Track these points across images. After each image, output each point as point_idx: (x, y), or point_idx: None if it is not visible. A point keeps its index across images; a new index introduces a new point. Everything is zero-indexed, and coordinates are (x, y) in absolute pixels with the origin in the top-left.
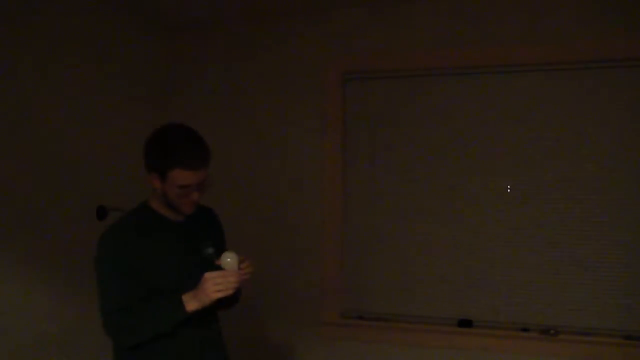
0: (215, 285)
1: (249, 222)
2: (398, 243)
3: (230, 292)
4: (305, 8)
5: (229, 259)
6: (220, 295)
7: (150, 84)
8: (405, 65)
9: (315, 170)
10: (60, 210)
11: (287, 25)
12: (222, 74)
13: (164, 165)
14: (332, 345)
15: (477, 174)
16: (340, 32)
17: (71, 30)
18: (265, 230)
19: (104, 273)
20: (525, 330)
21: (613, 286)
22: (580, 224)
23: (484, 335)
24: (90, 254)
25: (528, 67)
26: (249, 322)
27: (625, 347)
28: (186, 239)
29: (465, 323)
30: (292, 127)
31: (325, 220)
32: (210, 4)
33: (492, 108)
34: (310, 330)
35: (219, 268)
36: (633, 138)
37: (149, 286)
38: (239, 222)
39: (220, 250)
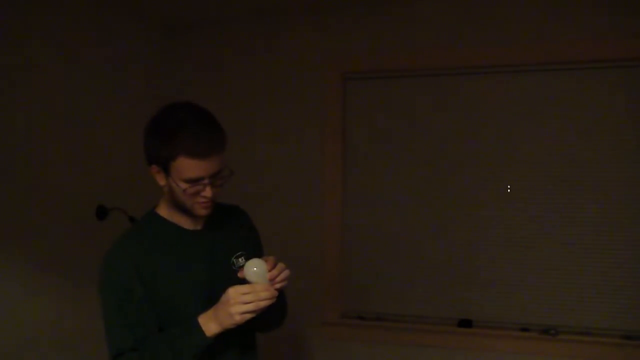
0: (243, 304)
1: None
2: (398, 243)
3: (260, 310)
4: (305, 8)
5: (254, 269)
6: (249, 316)
7: (151, 84)
8: (405, 65)
9: (315, 170)
10: (60, 210)
11: (287, 25)
12: (221, 74)
13: (164, 153)
14: (332, 345)
15: (478, 173)
16: (340, 32)
17: (70, 29)
18: (264, 230)
19: (108, 307)
20: (525, 330)
21: (613, 286)
22: (580, 224)
23: (484, 335)
24: (90, 254)
25: (528, 67)
26: None
27: (625, 347)
28: (210, 252)
29: (465, 323)
30: (291, 127)
31: (325, 220)
32: (210, 4)
33: (491, 108)
34: (311, 330)
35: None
36: (633, 139)
37: (166, 317)
38: None
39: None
